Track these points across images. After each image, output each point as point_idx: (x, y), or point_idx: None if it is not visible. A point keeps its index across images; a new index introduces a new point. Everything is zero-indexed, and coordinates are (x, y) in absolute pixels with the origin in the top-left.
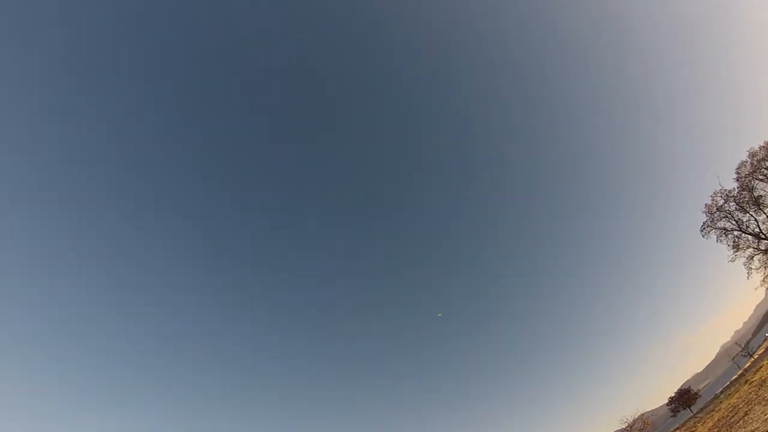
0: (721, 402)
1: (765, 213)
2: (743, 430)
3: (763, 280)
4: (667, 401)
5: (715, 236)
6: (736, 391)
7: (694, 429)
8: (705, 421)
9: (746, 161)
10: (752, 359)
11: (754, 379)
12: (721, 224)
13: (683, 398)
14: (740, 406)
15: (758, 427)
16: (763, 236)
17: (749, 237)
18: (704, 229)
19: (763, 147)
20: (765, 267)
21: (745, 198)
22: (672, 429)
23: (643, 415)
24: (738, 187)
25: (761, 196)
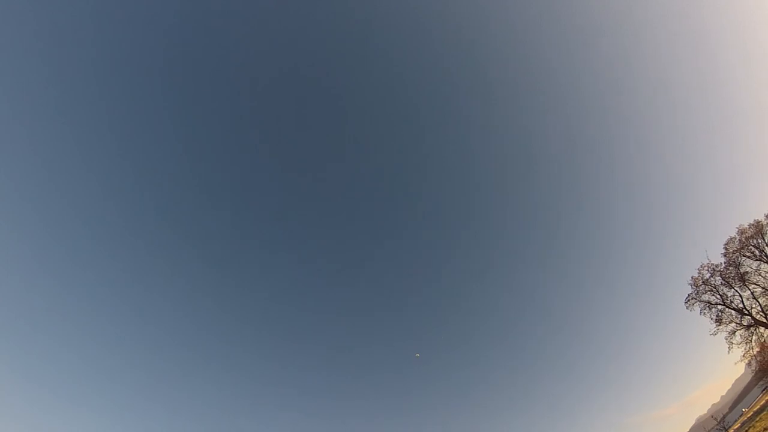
0: None
1: (749, 289)
2: None
3: (744, 356)
4: None
5: (699, 309)
6: None
7: None
8: None
9: (735, 238)
10: None
11: None
12: (705, 297)
13: None
14: None
15: None
16: (746, 312)
17: (732, 312)
18: (689, 300)
19: (752, 225)
20: (746, 343)
21: (731, 273)
22: None
23: None
24: (725, 263)
25: (747, 272)
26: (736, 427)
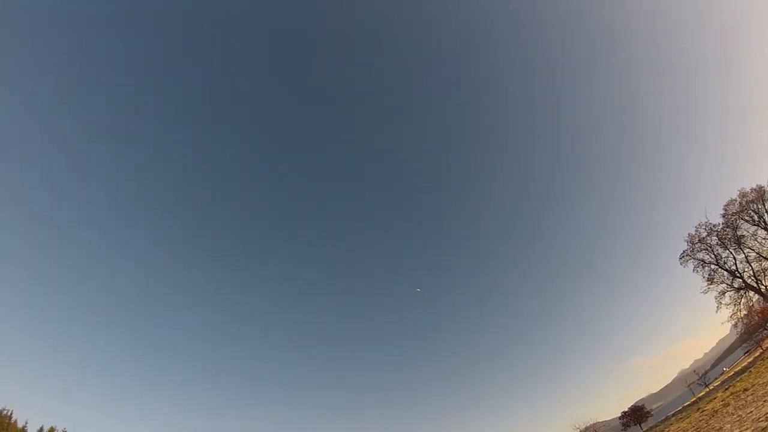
0: (671, 424)
1: (744, 253)
2: None
3: (731, 317)
4: (619, 415)
5: (693, 266)
6: (687, 417)
7: None
8: None
9: (735, 200)
10: (707, 389)
11: (706, 408)
12: (700, 255)
13: (635, 415)
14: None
15: None
16: (738, 275)
17: (725, 273)
18: (683, 257)
19: (755, 189)
20: (735, 304)
21: (728, 235)
22: None
23: (595, 424)
24: (723, 224)
25: (743, 236)
26: (716, 383)
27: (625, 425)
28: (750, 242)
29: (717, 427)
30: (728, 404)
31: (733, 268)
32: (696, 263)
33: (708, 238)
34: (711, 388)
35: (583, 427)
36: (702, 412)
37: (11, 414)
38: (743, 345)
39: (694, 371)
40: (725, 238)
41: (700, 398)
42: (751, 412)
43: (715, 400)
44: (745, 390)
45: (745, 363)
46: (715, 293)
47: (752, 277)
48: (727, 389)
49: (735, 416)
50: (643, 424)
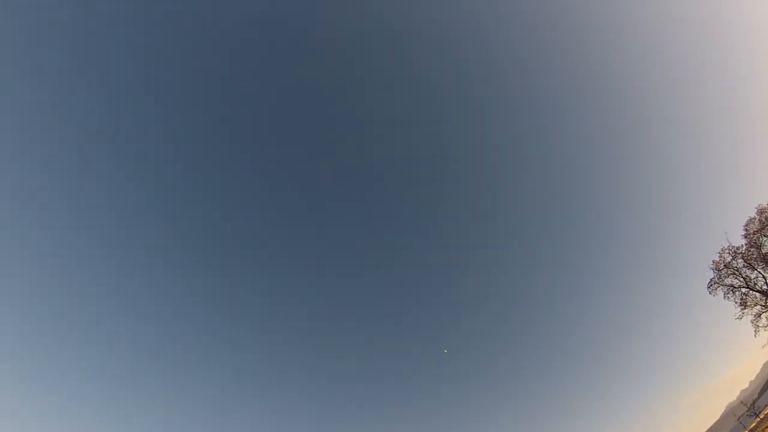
0: None
1: None
2: None
3: None
4: None
5: (722, 293)
6: None
7: None
8: None
9: (755, 218)
10: (758, 419)
11: None
12: (728, 281)
13: None
14: None
15: None
16: None
17: (757, 294)
18: (711, 285)
19: None
20: None
21: (753, 255)
22: None
23: None
24: (746, 244)
25: None
26: (766, 412)
27: None
28: None
29: None
30: None
31: (765, 287)
32: (726, 290)
33: (733, 261)
34: (761, 417)
35: None
36: None
37: None
38: None
39: (742, 402)
40: (751, 258)
41: (751, 430)
42: None
43: (767, 429)
44: None
45: None
46: (750, 317)
47: None
48: None
49: None
50: None
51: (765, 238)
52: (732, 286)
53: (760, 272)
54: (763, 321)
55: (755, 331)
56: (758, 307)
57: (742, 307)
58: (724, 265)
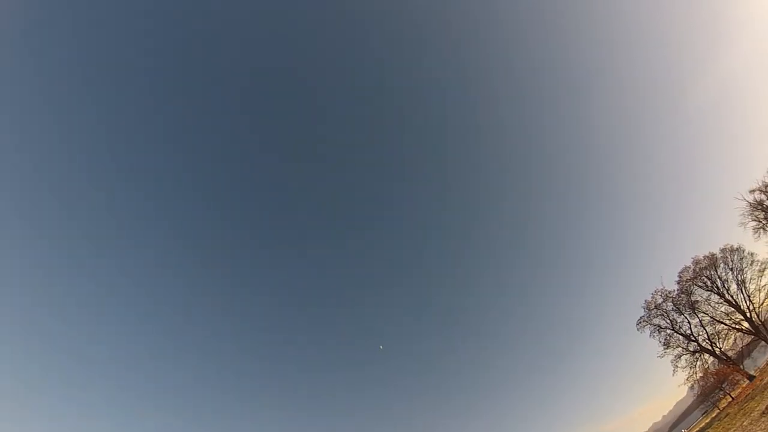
0: None
1: (698, 317)
2: None
3: (687, 379)
4: None
5: (649, 331)
6: None
7: None
8: None
9: (689, 267)
10: None
11: None
12: (656, 321)
13: None
14: None
15: None
16: (693, 338)
17: (680, 337)
18: (640, 323)
19: (707, 257)
20: (691, 367)
21: (683, 301)
22: None
23: None
24: (678, 290)
25: (698, 301)
26: None
27: None
28: (704, 307)
29: None
30: None
31: (689, 332)
32: (652, 328)
33: (664, 304)
34: None
35: None
36: None
37: None
38: (700, 406)
39: None
40: (680, 304)
41: None
42: None
43: None
44: None
45: (703, 424)
46: (671, 357)
47: (707, 341)
48: None
49: None
50: None
51: (695, 287)
52: (659, 326)
53: (686, 317)
54: (682, 362)
55: (674, 370)
56: (680, 348)
57: (666, 346)
58: (655, 306)
